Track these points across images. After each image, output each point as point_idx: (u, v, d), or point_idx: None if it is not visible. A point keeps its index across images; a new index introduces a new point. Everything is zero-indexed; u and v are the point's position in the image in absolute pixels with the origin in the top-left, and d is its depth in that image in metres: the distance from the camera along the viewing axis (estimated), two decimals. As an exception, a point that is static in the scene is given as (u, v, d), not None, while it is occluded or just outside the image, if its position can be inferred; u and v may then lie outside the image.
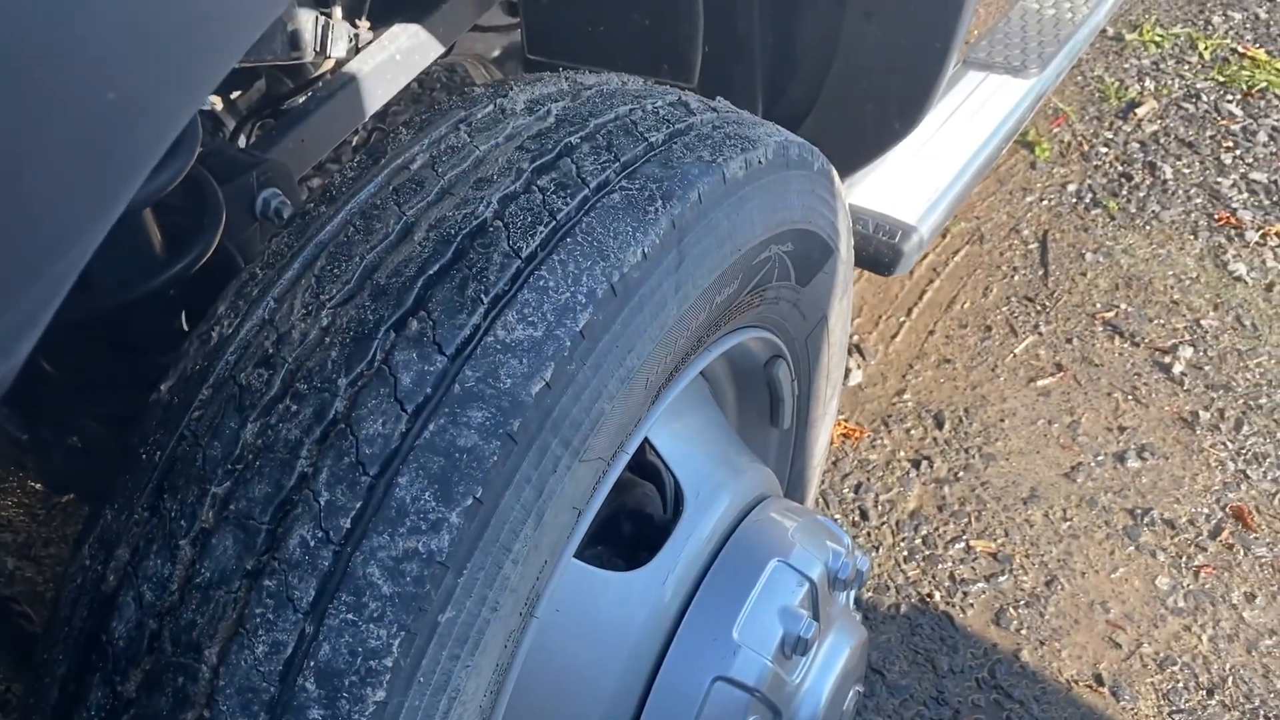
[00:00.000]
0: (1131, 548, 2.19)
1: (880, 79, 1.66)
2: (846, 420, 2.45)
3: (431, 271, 0.84)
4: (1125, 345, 2.63)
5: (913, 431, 2.43)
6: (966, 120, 2.17)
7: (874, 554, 2.18)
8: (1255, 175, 3.12)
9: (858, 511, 2.27)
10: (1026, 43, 2.41)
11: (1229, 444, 2.39)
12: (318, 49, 1.44)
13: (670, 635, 1.13)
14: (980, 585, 2.13)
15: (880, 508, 2.27)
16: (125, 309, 1.09)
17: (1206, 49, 3.62)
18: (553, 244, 0.86)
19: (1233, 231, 2.95)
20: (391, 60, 1.56)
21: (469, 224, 0.87)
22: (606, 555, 1.25)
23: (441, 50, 1.66)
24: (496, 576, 0.82)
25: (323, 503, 0.77)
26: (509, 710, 0.96)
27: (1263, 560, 2.17)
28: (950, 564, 2.16)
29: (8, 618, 1.32)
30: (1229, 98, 3.42)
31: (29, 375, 0.96)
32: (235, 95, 1.69)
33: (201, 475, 0.81)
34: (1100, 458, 2.37)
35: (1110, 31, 3.73)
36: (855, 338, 2.64)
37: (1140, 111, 3.36)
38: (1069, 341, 2.64)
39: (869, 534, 2.22)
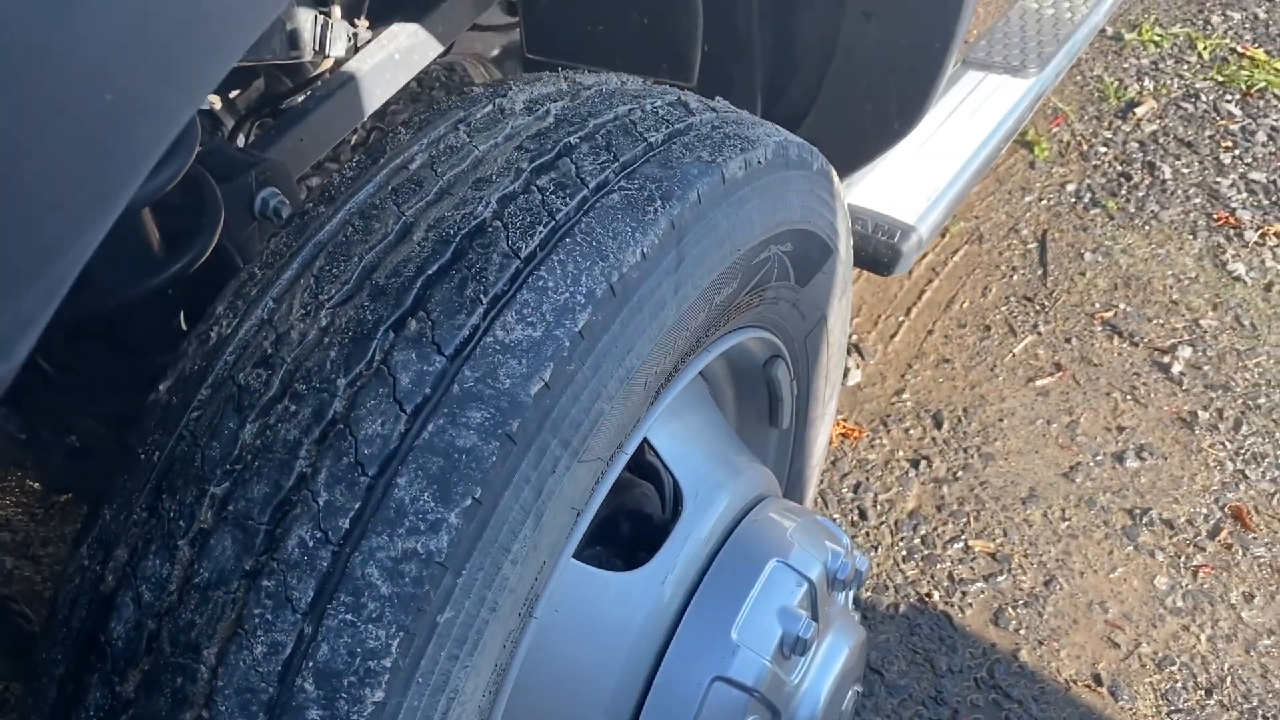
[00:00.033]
0: (1130, 548, 2.19)
1: (879, 79, 1.66)
2: (845, 420, 2.45)
3: (430, 272, 0.84)
4: (1124, 345, 2.63)
5: (911, 431, 2.43)
6: (965, 120, 2.18)
7: (873, 554, 2.18)
8: (1254, 175, 3.12)
9: (856, 511, 2.27)
10: (1026, 42, 2.41)
11: (1228, 444, 2.39)
12: (317, 48, 1.44)
13: (669, 635, 1.13)
14: (979, 585, 2.13)
15: (879, 507, 2.27)
16: (124, 308, 1.09)
17: (1205, 49, 3.62)
18: (552, 244, 0.86)
19: (1232, 231, 2.95)
20: (390, 59, 1.56)
21: (468, 224, 0.87)
22: (605, 555, 1.25)
23: (440, 49, 1.66)
24: (495, 577, 0.82)
25: (321, 503, 0.77)
26: (508, 710, 0.96)
27: (1261, 560, 2.17)
28: (949, 564, 2.17)
29: (6, 617, 1.32)
30: (1228, 97, 3.42)
31: (28, 374, 0.96)
32: (234, 94, 1.69)
33: (200, 475, 0.81)
34: (1099, 457, 2.37)
35: (1109, 31, 3.73)
36: (854, 337, 2.64)
37: (1139, 111, 3.36)
38: (1068, 341, 2.64)
39: (868, 534, 2.22)
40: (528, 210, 0.88)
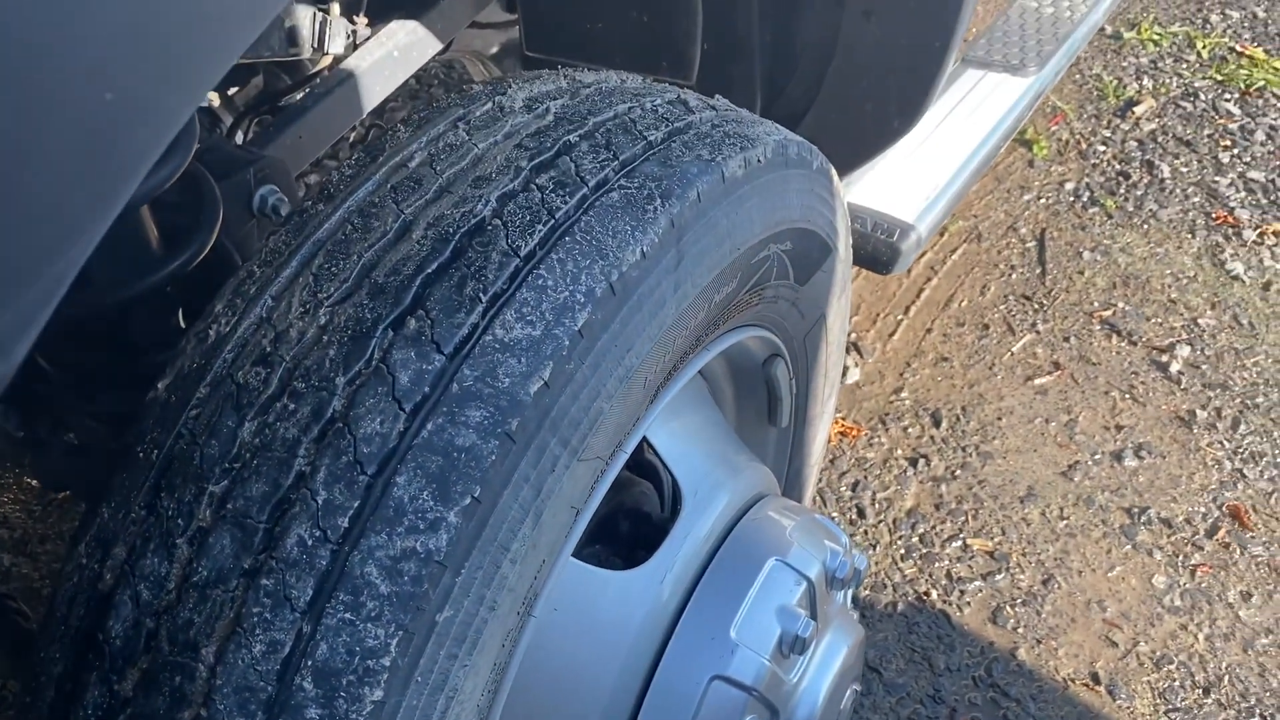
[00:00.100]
0: (1128, 546, 2.20)
1: (879, 77, 1.66)
2: (844, 418, 2.45)
3: (430, 270, 0.84)
4: (1123, 344, 2.63)
5: (910, 430, 2.43)
6: (965, 118, 2.17)
7: (871, 552, 2.18)
8: (1253, 174, 3.12)
9: (855, 510, 2.27)
10: (1025, 41, 2.41)
11: (1226, 443, 2.39)
12: (316, 45, 1.44)
13: (668, 634, 1.13)
14: (977, 584, 2.13)
15: (877, 506, 2.27)
16: (122, 306, 1.09)
17: (1205, 48, 3.62)
18: (551, 243, 0.86)
19: (1230, 230, 2.95)
20: (389, 57, 1.56)
21: (467, 222, 0.87)
22: (604, 554, 1.25)
23: (439, 47, 1.65)
24: (494, 576, 0.82)
25: (320, 502, 0.77)
26: (507, 709, 0.96)
27: (1259, 559, 2.17)
28: (947, 562, 2.17)
29: (4, 615, 1.32)
30: (1227, 96, 3.42)
31: (26, 373, 0.96)
32: (233, 91, 1.69)
33: (199, 474, 0.81)
34: (1097, 456, 2.37)
35: (1108, 30, 3.73)
36: (853, 336, 2.64)
37: (1138, 110, 3.36)
38: (1066, 340, 2.64)
39: (866, 532, 2.22)
40: (527, 208, 0.88)
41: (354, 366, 0.81)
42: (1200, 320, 2.69)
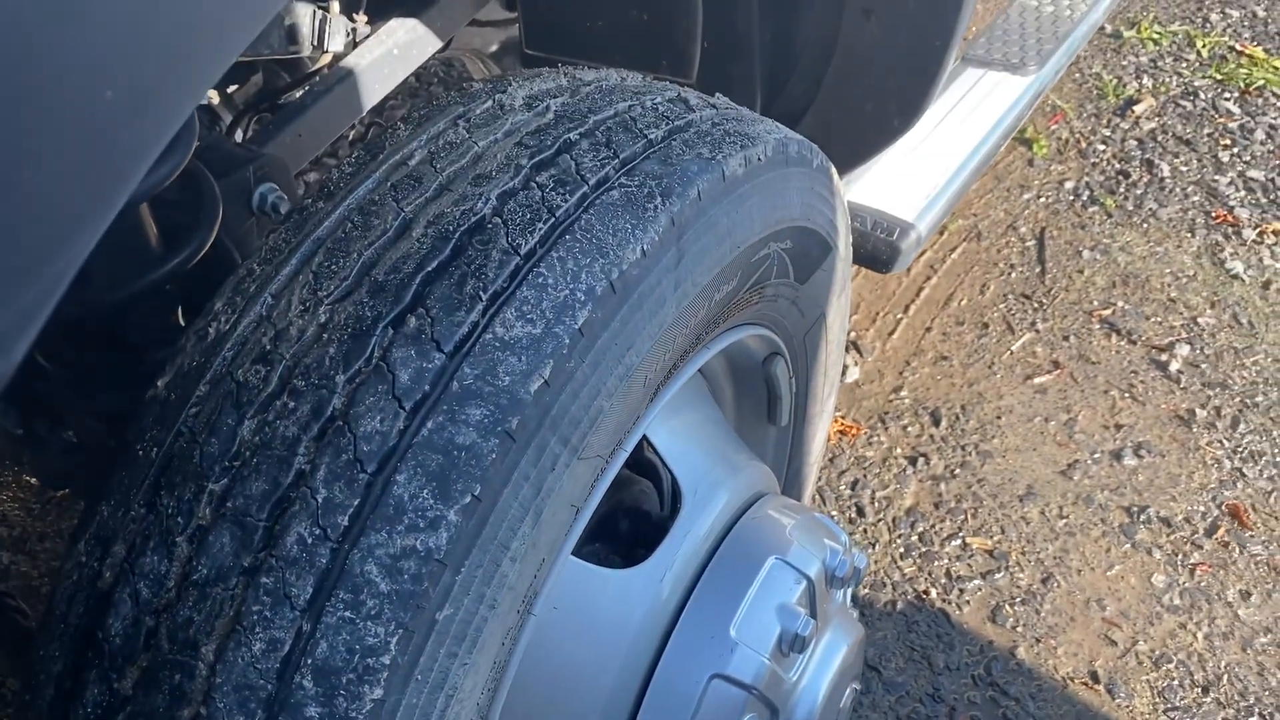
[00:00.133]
0: (1128, 545, 2.20)
1: (879, 76, 1.65)
2: (843, 417, 2.45)
3: (430, 268, 0.84)
4: (1122, 343, 2.63)
5: (909, 428, 2.43)
6: (965, 117, 2.17)
7: (870, 551, 2.18)
8: (1252, 173, 3.12)
9: (854, 508, 2.27)
10: (1025, 40, 2.41)
11: (1225, 442, 2.39)
12: (315, 43, 1.43)
13: (667, 633, 1.13)
14: (976, 582, 2.13)
15: (877, 504, 2.27)
16: (122, 304, 1.09)
17: (1204, 47, 3.62)
18: (552, 241, 0.86)
19: (1230, 229, 2.95)
20: (389, 55, 1.55)
21: (467, 220, 0.87)
22: (604, 553, 1.25)
23: (439, 45, 1.65)
24: (494, 574, 0.82)
25: (320, 500, 0.77)
26: (506, 707, 0.96)
27: (1258, 558, 2.17)
28: (946, 561, 2.17)
29: (3, 613, 1.32)
30: (1227, 95, 3.42)
31: (26, 371, 0.96)
32: (232, 89, 1.69)
33: (199, 472, 0.81)
34: (1097, 455, 2.37)
35: (1108, 29, 3.73)
36: (852, 335, 2.64)
37: (1138, 109, 3.36)
38: (1066, 339, 2.64)
39: (865, 531, 2.22)
40: (527, 207, 0.88)
41: (354, 364, 0.81)
42: (1200, 319, 2.69)
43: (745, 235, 1.03)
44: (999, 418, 2.45)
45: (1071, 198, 3.06)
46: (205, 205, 1.13)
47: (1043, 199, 3.06)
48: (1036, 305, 2.73)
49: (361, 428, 0.78)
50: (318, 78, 1.53)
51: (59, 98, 0.56)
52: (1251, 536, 2.21)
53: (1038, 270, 2.83)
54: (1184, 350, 2.60)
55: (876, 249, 1.87)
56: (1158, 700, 1.95)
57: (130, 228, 1.05)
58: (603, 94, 1.05)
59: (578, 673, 1.09)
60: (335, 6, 1.46)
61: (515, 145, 0.95)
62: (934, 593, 2.11)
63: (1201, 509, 2.26)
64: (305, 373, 0.82)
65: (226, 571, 0.78)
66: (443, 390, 0.79)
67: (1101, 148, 3.23)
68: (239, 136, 1.60)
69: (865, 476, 2.33)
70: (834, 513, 2.26)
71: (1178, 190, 3.07)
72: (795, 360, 1.41)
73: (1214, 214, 2.99)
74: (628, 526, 1.27)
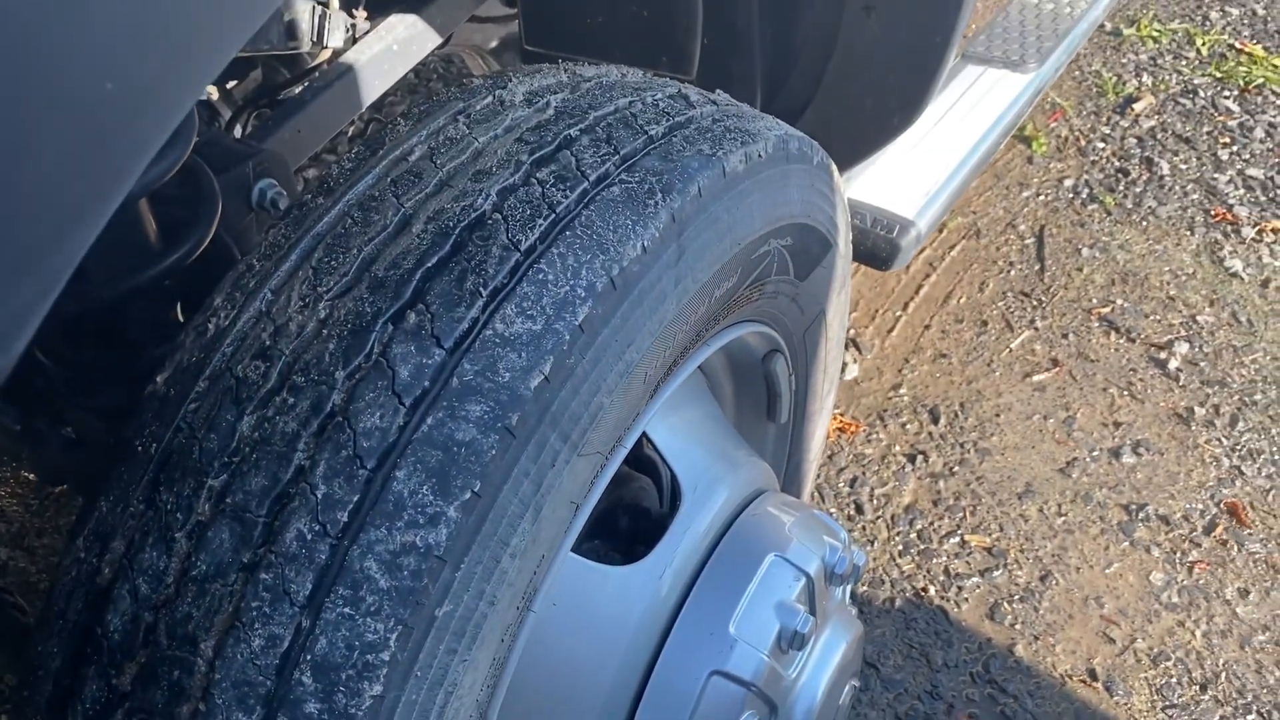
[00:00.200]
0: (1126, 543, 2.20)
1: (879, 73, 1.65)
2: (842, 414, 2.45)
3: (430, 264, 0.84)
4: (1121, 341, 2.63)
5: (908, 426, 2.43)
6: (964, 115, 2.17)
7: (869, 548, 2.18)
8: (1252, 171, 3.12)
9: (853, 505, 2.27)
10: (1025, 37, 2.41)
11: (1224, 440, 2.39)
12: (315, 39, 1.43)
13: (667, 629, 1.12)
14: (975, 580, 2.13)
15: (875, 502, 2.27)
16: (121, 300, 1.09)
17: (1204, 45, 3.62)
18: (552, 237, 0.86)
19: (1229, 227, 2.95)
20: (389, 51, 1.55)
21: (467, 216, 0.87)
22: (604, 549, 1.25)
23: (439, 41, 1.65)
24: (494, 570, 0.81)
25: (320, 496, 0.77)
26: (506, 704, 0.96)
27: (1256, 556, 2.17)
28: (945, 558, 2.17)
29: (2, 609, 1.32)
30: (1226, 94, 3.42)
31: (24, 367, 0.95)
32: (231, 85, 1.68)
33: (198, 468, 0.81)
34: (1095, 453, 2.37)
35: (1108, 26, 3.73)
36: (851, 332, 2.64)
37: (1138, 107, 3.36)
38: (1065, 337, 2.64)
39: (864, 528, 2.22)
40: (528, 203, 0.88)
41: (354, 360, 0.80)
42: (1199, 317, 2.69)
43: (746, 232, 1.03)
44: (998, 415, 2.45)
45: (1071, 195, 3.06)
46: (204, 201, 1.13)
47: (1042, 197, 3.06)
48: (1035, 303, 2.73)
49: (361, 424, 0.78)
50: (317, 73, 1.53)
51: (58, 92, 0.56)
52: (1250, 534, 2.21)
53: (1037, 268, 2.83)
54: (1183, 348, 2.60)
55: (876, 246, 1.87)
56: (1156, 698, 1.95)
57: (129, 223, 1.05)
58: (603, 90, 1.05)
59: (577, 669, 1.09)
60: (335, 2, 1.45)
61: (516, 141, 0.95)
62: (932, 590, 2.11)
63: (1200, 507, 2.26)
64: (305, 368, 0.82)
65: (226, 567, 0.77)
66: (443, 386, 0.79)
67: (1101, 145, 3.23)
68: (238, 132, 1.60)
69: (864, 474, 2.33)
70: (833, 510, 2.26)
71: (1177, 188, 3.07)
72: (795, 357, 1.41)
73: (1213, 212, 2.99)
74: (627, 523, 1.27)
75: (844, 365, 2.52)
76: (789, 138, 1.12)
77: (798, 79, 1.74)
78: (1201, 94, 3.42)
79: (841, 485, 2.31)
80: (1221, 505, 2.26)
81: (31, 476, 2.22)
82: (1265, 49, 3.59)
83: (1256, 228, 2.94)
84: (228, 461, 0.80)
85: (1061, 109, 3.36)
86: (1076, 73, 3.53)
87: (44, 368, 1.16)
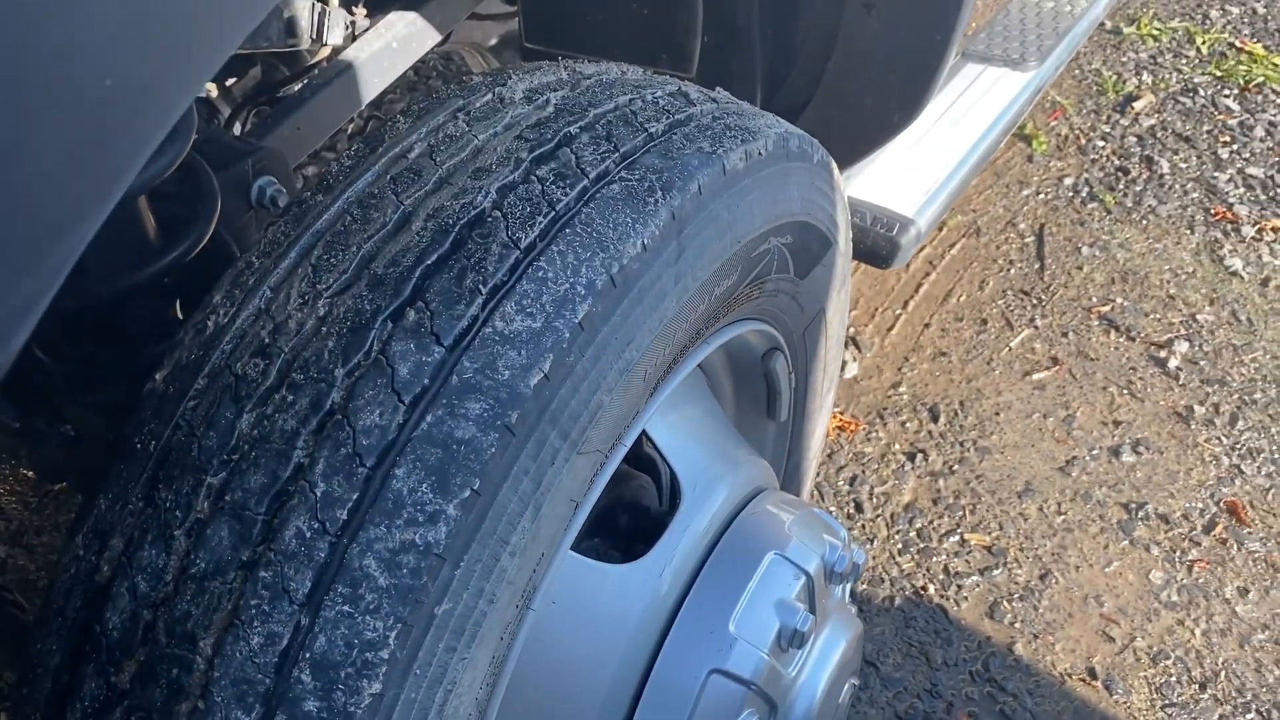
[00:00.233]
0: (1126, 542, 2.20)
1: (880, 71, 1.65)
2: (842, 413, 2.45)
3: (429, 261, 0.84)
4: (1121, 339, 2.63)
5: (908, 424, 2.43)
6: (965, 113, 2.17)
7: (868, 546, 2.18)
8: (1252, 170, 3.12)
9: (853, 504, 2.27)
10: (1025, 35, 2.40)
11: (1224, 439, 2.39)
12: (314, 36, 1.43)
13: (666, 628, 1.12)
14: (974, 578, 2.13)
15: (875, 500, 2.27)
16: (120, 297, 1.08)
17: (1204, 43, 3.61)
18: (552, 235, 0.86)
19: (1229, 226, 2.95)
20: (388, 48, 1.55)
21: (467, 214, 0.87)
22: (603, 547, 1.25)
23: (439, 38, 1.65)
24: (494, 569, 0.81)
25: (319, 494, 0.77)
26: (505, 702, 0.95)
27: (1256, 555, 2.17)
28: (944, 557, 2.17)
29: (0, 607, 1.32)
30: (1226, 92, 3.42)
31: (23, 364, 0.95)
32: (231, 82, 1.68)
33: (197, 465, 0.81)
34: (1095, 452, 2.37)
35: (1108, 25, 3.73)
36: (851, 330, 2.63)
37: (1138, 105, 3.36)
38: (1065, 335, 2.64)
39: (864, 526, 2.22)
40: (527, 200, 0.88)
41: (353, 358, 0.80)
42: (1198, 316, 2.69)
43: (746, 230, 1.03)
44: (997, 414, 2.45)
45: (1071, 194, 3.06)
46: (203, 198, 1.12)
47: (1042, 195, 3.06)
48: (1035, 301, 2.73)
49: (360, 421, 0.78)
50: (316, 71, 1.52)
51: (56, 88, 0.56)
52: (1249, 533, 2.21)
53: (1037, 266, 2.83)
54: (1183, 347, 2.60)
55: (876, 244, 1.87)
56: (1155, 696, 1.95)
57: (128, 220, 1.05)
58: (603, 88, 1.05)
59: (576, 668, 1.09)
60: (334, 0, 1.45)
61: (515, 139, 0.95)
62: (932, 589, 2.11)
63: (1200, 506, 2.26)
64: (304, 366, 0.81)
65: (225, 565, 0.77)
66: (442, 384, 0.79)
67: (1101, 144, 3.23)
68: (237, 130, 1.59)
69: (864, 472, 2.33)
70: (832, 508, 2.26)
71: (1177, 187, 3.07)
72: (795, 355, 1.41)
73: (1213, 211, 2.99)
74: (627, 521, 1.27)
75: (844, 363, 2.52)
76: (789, 135, 1.12)
77: (798, 77, 1.74)
78: (1202, 92, 3.42)
79: (841, 483, 2.30)
80: (1221, 504, 2.26)
81: (30, 474, 2.22)
82: (1265, 47, 3.59)
83: (1256, 226, 2.94)
84: (227, 459, 0.80)
85: (1062, 107, 3.36)
86: (1077, 71, 3.53)
87: (43, 365, 1.16)
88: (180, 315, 1.20)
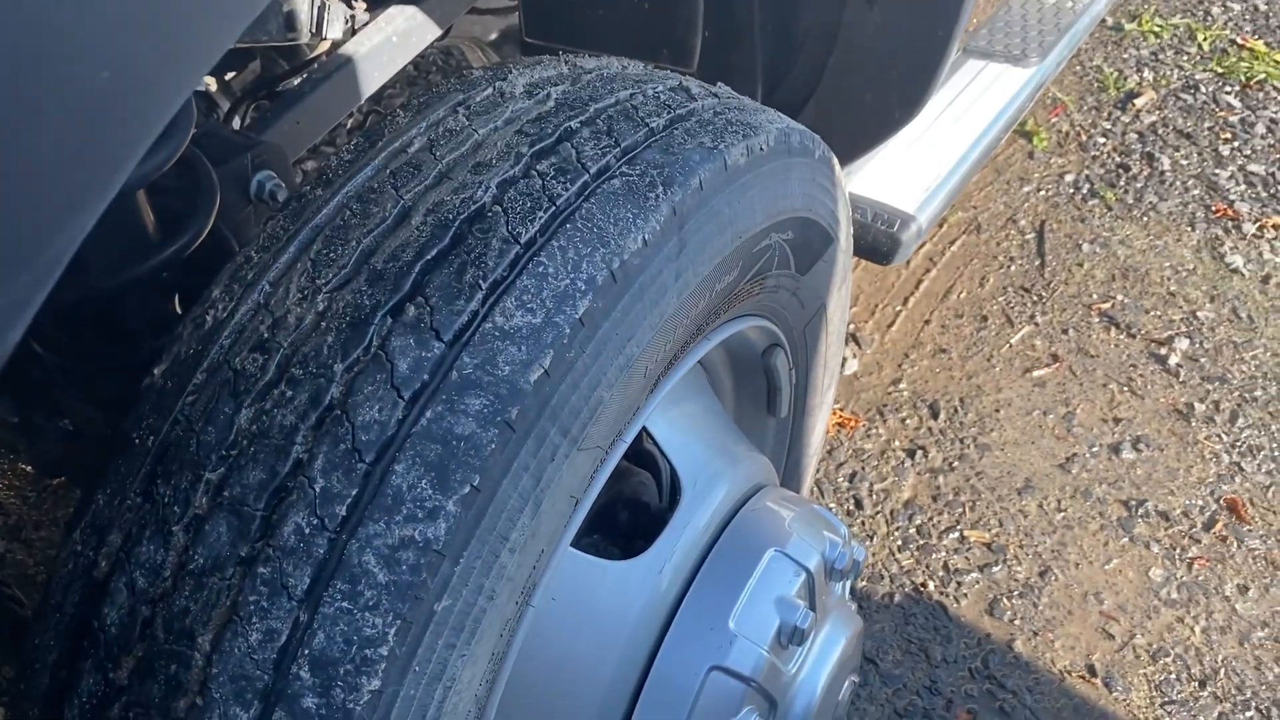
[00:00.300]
0: (1125, 539, 2.20)
1: (881, 67, 1.65)
2: (842, 409, 2.45)
3: (429, 256, 0.83)
4: (1121, 336, 2.62)
5: (908, 421, 2.43)
6: (966, 109, 2.17)
7: (868, 543, 2.18)
8: (1253, 167, 3.11)
9: (852, 501, 2.26)
10: (1027, 31, 2.40)
11: (1224, 436, 2.39)
12: (314, 30, 1.42)
13: (666, 624, 1.12)
14: (974, 575, 2.13)
15: (875, 497, 2.27)
16: (118, 291, 1.08)
17: (1205, 40, 3.61)
18: (552, 230, 0.85)
19: (1230, 223, 2.94)
20: (388, 42, 1.54)
21: (467, 209, 0.86)
22: (603, 544, 1.24)
23: (438, 33, 1.64)
24: (493, 565, 0.81)
25: (318, 489, 0.76)
26: (504, 699, 0.95)
27: (1256, 552, 2.17)
28: (944, 554, 2.16)
29: (-1, 602, 1.32)
30: (1227, 89, 3.41)
31: (21, 358, 0.95)
32: (230, 76, 1.68)
33: (195, 461, 0.81)
34: (1095, 449, 2.37)
35: (1109, 21, 3.72)
36: (851, 327, 2.63)
37: (1139, 102, 3.36)
38: (1065, 332, 2.63)
39: (863, 523, 2.22)
40: (528, 195, 0.87)
41: (352, 353, 0.80)
42: (1199, 313, 2.69)
43: (747, 225, 1.03)
44: (997, 411, 2.45)
45: (1071, 191, 3.05)
46: (202, 192, 1.12)
47: (1043, 192, 3.05)
48: (1036, 298, 2.72)
49: (360, 417, 0.77)
50: (316, 65, 1.52)
51: (54, 81, 0.55)
52: (1249, 531, 2.21)
53: (1037, 263, 2.83)
54: (1183, 344, 2.59)
55: (877, 240, 1.87)
56: (1155, 694, 1.95)
57: (127, 214, 1.05)
58: (604, 82, 1.04)
59: (576, 664, 1.09)
60: (334, -7, 1.45)
61: (516, 133, 0.95)
62: (931, 585, 2.11)
63: (1200, 503, 2.26)
64: (303, 361, 0.81)
65: (223, 561, 0.77)
66: (442, 379, 0.78)
67: (1102, 141, 3.22)
68: (237, 124, 1.59)
69: (863, 469, 2.32)
70: (832, 505, 2.25)
71: (1178, 184, 3.07)
72: (795, 352, 1.40)
73: (1214, 208, 2.99)
74: (627, 518, 1.27)
75: (844, 360, 2.52)
76: (790, 131, 1.12)
77: (799, 72, 1.73)
78: (1203, 89, 3.41)
79: (841, 480, 2.30)
80: (1221, 501, 2.26)
81: (29, 469, 2.22)
82: (1267, 44, 3.58)
83: (1257, 223, 2.93)
84: (225, 454, 0.80)
85: (1062, 104, 3.36)
86: (1078, 67, 3.52)
87: (41, 359, 1.15)
88: (179, 310, 1.19)
